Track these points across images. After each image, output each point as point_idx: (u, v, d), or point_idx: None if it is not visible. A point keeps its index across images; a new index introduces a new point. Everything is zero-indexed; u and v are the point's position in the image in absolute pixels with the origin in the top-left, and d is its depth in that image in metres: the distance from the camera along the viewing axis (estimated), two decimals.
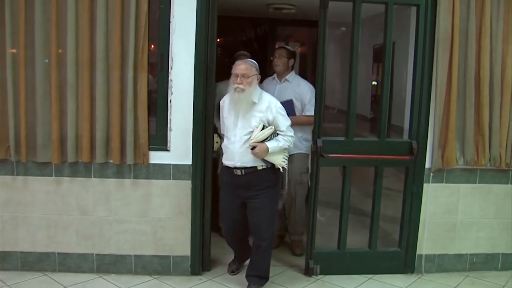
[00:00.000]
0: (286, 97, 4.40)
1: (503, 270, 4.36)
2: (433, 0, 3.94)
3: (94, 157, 3.89)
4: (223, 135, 3.87)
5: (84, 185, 3.97)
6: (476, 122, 4.10)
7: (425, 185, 4.17)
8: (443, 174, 4.18)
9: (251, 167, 3.65)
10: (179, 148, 3.96)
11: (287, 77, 4.56)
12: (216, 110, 4.12)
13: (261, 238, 3.77)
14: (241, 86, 3.57)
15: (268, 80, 4.73)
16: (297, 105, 4.45)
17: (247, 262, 4.03)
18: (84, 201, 3.98)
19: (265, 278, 3.88)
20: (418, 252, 4.26)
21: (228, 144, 3.71)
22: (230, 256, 4.20)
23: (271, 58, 4.82)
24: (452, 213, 4.24)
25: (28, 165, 3.91)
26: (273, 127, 3.66)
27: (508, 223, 4.30)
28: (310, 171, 4.45)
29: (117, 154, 3.87)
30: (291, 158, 4.37)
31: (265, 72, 6.53)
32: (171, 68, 3.89)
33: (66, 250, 4.02)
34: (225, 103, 3.81)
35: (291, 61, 4.61)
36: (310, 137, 4.35)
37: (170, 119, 3.94)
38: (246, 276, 3.88)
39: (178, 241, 4.06)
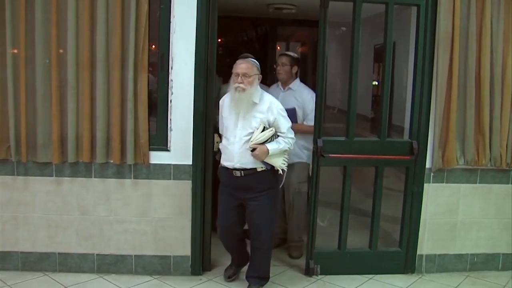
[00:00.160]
0: (289, 105, 4.37)
1: (503, 270, 4.36)
2: (434, 0, 3.94)
3: (95, 157, 3.89)
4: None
5: (84, 185, 3.97)
6: (476, 122, 4.09)
7: (425, 185, 4.17)
8: (444, 174, 4.18)
9: (250, 169, 3.60)
10: (180, 148, 3.96)
11: (290, 85, 4.53)
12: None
13: (261, 240, 3.76)
14: (241, 85, 3.52)
15: (273, 87, 4.74)
16: (299, 113, 4.43)
17: (245, 267, 4.01)
18: (85, 201, 3.98)
19: (265, 278, 3.87)
20: (418, 252, 4.26)
21: (227, 144, 3.66)
22: (230, 257, 4.16)
23: (274, 66, 4.72)
24: (452, 213, 4.24)
25: (29, 165, 3.91)
26: (273, 129, 3.60)
27: (508, 223, 4.30)
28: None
29: (117, 154, 3.87)
30: (290, 166, 4.36)
31: (265, 73, 6.53)
32: (172, 68, 3.89)
33: (67, 250, 4.02)
34: (225, 102, 3.75)
35: (295, 68, 4.54)
36: (311, 146, 4.27)
37: (170, 119, 3.94)
38: (246, 277, 3.88)
39: (179, 241, 4.06)
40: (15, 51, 3.73)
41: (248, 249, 3.93)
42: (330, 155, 4.01)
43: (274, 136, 3.61)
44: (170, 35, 3.87)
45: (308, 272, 4.20)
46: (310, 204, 4.14)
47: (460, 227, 4.27)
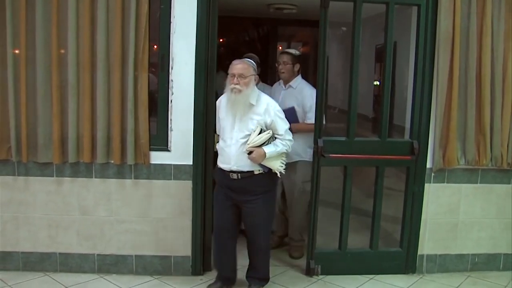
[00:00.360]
0: (289, 104, 4.38)
1: (504, 270, 4.35)
2: (434, 0, 3.94)
3: (95, 157, 3.89)
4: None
5: (85, 185, 3.97)
6: (477, 121, 4.09)
7: (426, 185, 4.16)
8: (445, 174, 4.17)
9: (247, 172, 3.54)
10: (180, 148, 3.96)
11: (291, 83, 4.50)
12: None
13: (258, 242, 3.73)
14: (237, 86, 3.45)
15: (275, 85, 4.73)
16: (299, 111, 4.40)
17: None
18: (85, 201, 3.99)
19: (265, 279, 3.87)
20: (419, 252, 4.26)
21: (224, 146, 3.59)
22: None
23: (276, 64, 4.67)
24: (453, 213, 4.24)
25: (29, 165, 3.91)
26: (270, 132, 3.53)
27: (509, 223, 4.29)
28: None
29: (118, 154, 3.87)
30: (293, 165, 4.37)
31: (266, 74, 6.54)
32: (172, 68, 3.89)
33: (67, 250, 4.03)
34: (222, 103, 3.68)
35: (297, 66, 4.50)
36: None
37: (170, 119, 3.94)
38: (246, 277, 3.88)
39: (179, 241, 4.06)
40: (16, 51, 3.73)
41: (247, 253, 3.89)
42: (330, 155, 4.00)
43: (272, 139, 3.55)
44: (171, 35, 3.86)
45: (309, 272, 4.20)
46: (310, 204, 4.13)
47: (461, 227, 4.26)
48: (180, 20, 3.85)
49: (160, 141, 3.97)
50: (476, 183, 4.22)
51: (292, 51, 4.65)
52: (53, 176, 3.95)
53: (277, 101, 4.39)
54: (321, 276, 4.19)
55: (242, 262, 3.94)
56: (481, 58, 4.00)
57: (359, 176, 4.52)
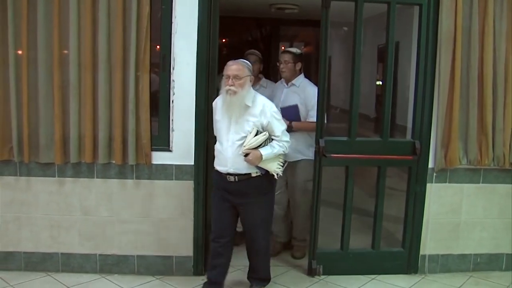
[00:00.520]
0: (292, 102, 4.36)
1: (507, 271, 4.33)
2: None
3: (97, 158, 3.90)
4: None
5: (86, 186, 3.98)
6: (479, 121, 4.08)
7: (428, 185, 4.15)
8: (447, 174, 4.17)
9: (245, 174, 3.49)
10: (181, 148, 3.96)
11: (293, 81, 4.47)
12: None
13: (257, 245, 3.70)
14: (232, 88, 3.39)
15: (278, 83, 4.71)
16: (301, 109, 4.37)
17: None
18: (87, 201, 3.99)
19: (266, 279, 3.87)
20: (421, 252, 4.25)
21: (220, 149, 3.53)
22: (234, 256, 3.97)
23: (277, 63, 4.63)
24: (455, 213, 4.23)
25: (31, 165, 3.92)
26: (267, 133, 3.47)
27: (511, 223, 4.28)
28: None
29: (119, 154, 3.88)
30: (296, 164, 4.37)
31: (268, 73, 6.54)
32: (173, 69, 3.89)
33: (69, 250, 4.04)
34: (218, 105, 3.60)
35: (298, 65, 4.47)
36: None
37: (172, 120, 3.94)
38: (248, 277, 3.87)
39: (181, 241, 4.06)
40: (17, 51, 3.74)
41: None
42: (332, 155, 4.00)
43: (268, 140, 3.49)
44: (172, 35, 3.87)
45: (311, 272, 4.19)
46: (312, 204, 4.13)
47: (463, 227, 4.25)
48: (181, 21, 3.85)
49: (162, 142, 3.97)
50: (478, 183, 4.21)
51: (293, 50, 4.61)
52: (55, 177, 3.95)
53: (279, 99, 4.42)
54: (323, 276, 4.18)
55: (244, 263, 3.93)
56: (483, 57, 3.99)
57: (361, 176, 4.51)
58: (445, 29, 3.91)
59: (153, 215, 4.03)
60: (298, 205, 4.52)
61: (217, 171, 3.59)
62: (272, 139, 3.53)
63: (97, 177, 3.97)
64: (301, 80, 4.49)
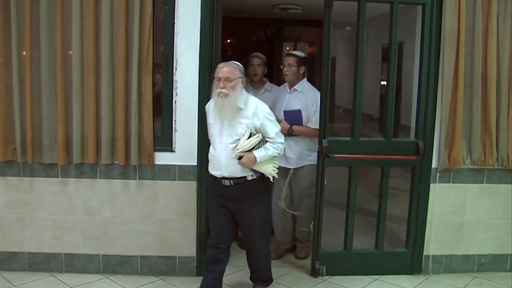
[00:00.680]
0: (295, 107, 4.34)
1: (511, 271, 4.32)
2: None
3: (100, 158, 3.91)
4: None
5: (90, 186, 3.99)
6: (483, 121, 4.06)
7: (432, 185, 4.14)
8: (450, 174, 4.15)
9: (240, 178, 3.43)
10: (184, 149, 3.96)
11: (296, 86, 4.42)
12: None
13: (257, 249, 3.68)
14: (224, 90, 3.32)
15: (281, 88, 4.68)
16: (303, 115, 4.33)
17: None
18: (90, 202, 4.01)
19: (268, 280, 3.86)
20: (425, 253, 4.24)
21: (214, 153, 3.48)
22: (235, 257, 4.04)
23: (281, 66, 4.59)
24: (459, 214, 4.21)
25: (35, 166, 3.94)
26: (260, 135, 3.40)
27: None
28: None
29: (122, 155, 3.88)
30: (299, 169, 4.37)
31: (272, 75, 6.53)
32: (176, 69, 3.90)
33: (72, 250, 4.05)
34: (210, 108, 3.54)
35: (302, 69, 4.42)
36: None
37: (175, 120, 3.95)
38: (250, 278, 3.87)
39: (184, 241, 4.07)
40: (21, 53, 3.75)
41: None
42: (335, 155, 3.99)
43: (262, 142, 3.42)
44: (174, 36, 3.87)
45: (314, 272, 4.19)
46: (315, 205, 4.12)
47: (467, 227, 4.24)
48: (184, 21, 3.85)
49: (165, 142, 3.98)
50: (482, 183, 4.19)
51: (298, 53, 4.56)
52: (58, 177, 3.97)
53: (282, 104, 4.41)
54: (326, 277, 4.18)
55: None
56: (486, 57, 3.97)
57: (365, 176, 4.50)
58: (449, 29, 3.89)
59: (156, 215, 4.03)
60: (302, 209, 4.50)
61: (212, 175, 3.54)
62: (266, 141, 3.46)
63: (100, 178, 3.98)
64: (303, 85, 4.45)
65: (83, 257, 4.06)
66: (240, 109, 3.40)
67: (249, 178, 3.45)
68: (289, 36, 9.01)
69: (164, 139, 3.98)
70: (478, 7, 3.91)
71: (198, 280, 3.95)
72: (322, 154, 3.99)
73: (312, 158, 4.33)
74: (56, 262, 4.06)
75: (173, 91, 3.92)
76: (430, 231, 4.20)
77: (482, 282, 4.17)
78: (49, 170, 3.95)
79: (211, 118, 3.51)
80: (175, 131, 3.96)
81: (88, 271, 4.07)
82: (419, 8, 4.09)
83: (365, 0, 3.91)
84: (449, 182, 4.16)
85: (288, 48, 8.96)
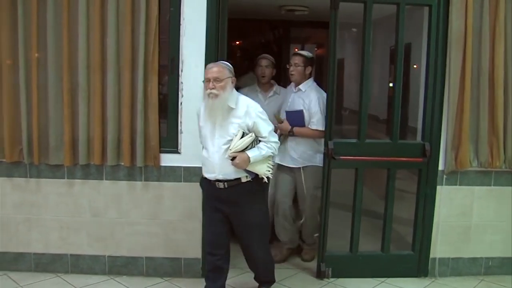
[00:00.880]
0: (298, 107, 4.33)
1: None
2: (446, 0, 3.89)
3: (106, 160, 3.92)
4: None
5: (95, 187, 4.00)
6: (490, 123, 4.03)
7: (438, 187, 4.11)
8: (457, 176, 4.12)
9: (234, 180, 3.36)
10: (190, 150, 3.96)
11: (301, 86, 4.41)
12: None
13: (255, 254, 3.64)
14: (214, 91, 3.25)
15: (288, 88, 4.67)
16: (306, 115, 4.31)
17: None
18: (96, 203, 4.02)
19: (270, 281, 3.84)
20: (431, 256, 4.21)
21: (207, 155, 3.41)
22: (241, 259, 3.92)
23: (287, 66, 4.57)
24: (466, 216, 4.18)
25: (41, 167, 3.96)
26: (253, 135, 3.33)
27: None
28: None
29: (128, 156, 3.89)
30: (302, 170, 4.36)
31: (279, 76, 6.52)
32: (182, 71, 3.90)
33: (78, 251, 4.06)
34: (201, 111, 3.49)
35: (308, 69, 4.40)
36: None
37: (180, 122, 3.95)
38: (254, 278, 3.87)
39: (189, 243, 4.07)
40: (27, 54, 3.77)
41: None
42: (341, 157, 3.97)
43: (255, 142, 3.35)
44: (180, 38, 3.88)
45: (320, 275, 4.17)
46: (321, 207, 4.11)
47: (474, 230, 4.20)
48: (189, 23, 3.86)
49: (170, 143, 3.99)
50: (490, 185, 4.16)
51: (305, 53, 4.53)
52: (64, 178, 3.98)
53: (286, 104, 4.40)
54: (332, 279, 4.16)
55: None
56: (494, 58, 3.94)
57: (371, 178, 4.48)
58: (455, 30, 3.87)
59: (162, 217, 4.04)
60: (307, 211, 4.48)
61: (206, 178, 3.47)
62: (260, 141, 3.40)
63: (106, 179, 4.00)
64: (308, 84, 4.43)
65: (89, 258, 4.07)
66: (231, 109, 3.35)
67: (243, 180, 3.39)
68: (296, 37, 9.00)
69: (169, 141, 3.99)
70: (485, 8, 3.89)
71: (204, 282, 3.96)
72: (328, 156, 3.97)
73: (317, 160, 4.33)
74: (62, 263, 4.07)
75: (179, 92, 3.92)
76: (437, 234, 4.17)
77: (489, 286, 4.13)
78: (56, 171, 3.97)
79: (202, 121, 3.46)
80: (181, 132, 3.96)
81: (94, 272, 4.07)
82: (426, 9, 4.07)
83: (371, 1, 3.90)
84: (456, 185, 4.13)
85: (296, 49, 8.94)
